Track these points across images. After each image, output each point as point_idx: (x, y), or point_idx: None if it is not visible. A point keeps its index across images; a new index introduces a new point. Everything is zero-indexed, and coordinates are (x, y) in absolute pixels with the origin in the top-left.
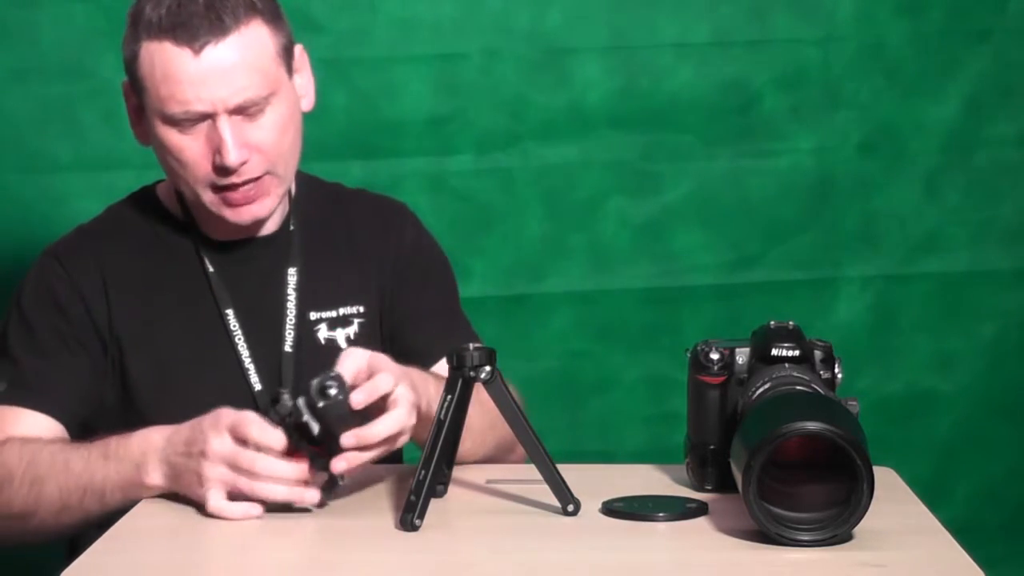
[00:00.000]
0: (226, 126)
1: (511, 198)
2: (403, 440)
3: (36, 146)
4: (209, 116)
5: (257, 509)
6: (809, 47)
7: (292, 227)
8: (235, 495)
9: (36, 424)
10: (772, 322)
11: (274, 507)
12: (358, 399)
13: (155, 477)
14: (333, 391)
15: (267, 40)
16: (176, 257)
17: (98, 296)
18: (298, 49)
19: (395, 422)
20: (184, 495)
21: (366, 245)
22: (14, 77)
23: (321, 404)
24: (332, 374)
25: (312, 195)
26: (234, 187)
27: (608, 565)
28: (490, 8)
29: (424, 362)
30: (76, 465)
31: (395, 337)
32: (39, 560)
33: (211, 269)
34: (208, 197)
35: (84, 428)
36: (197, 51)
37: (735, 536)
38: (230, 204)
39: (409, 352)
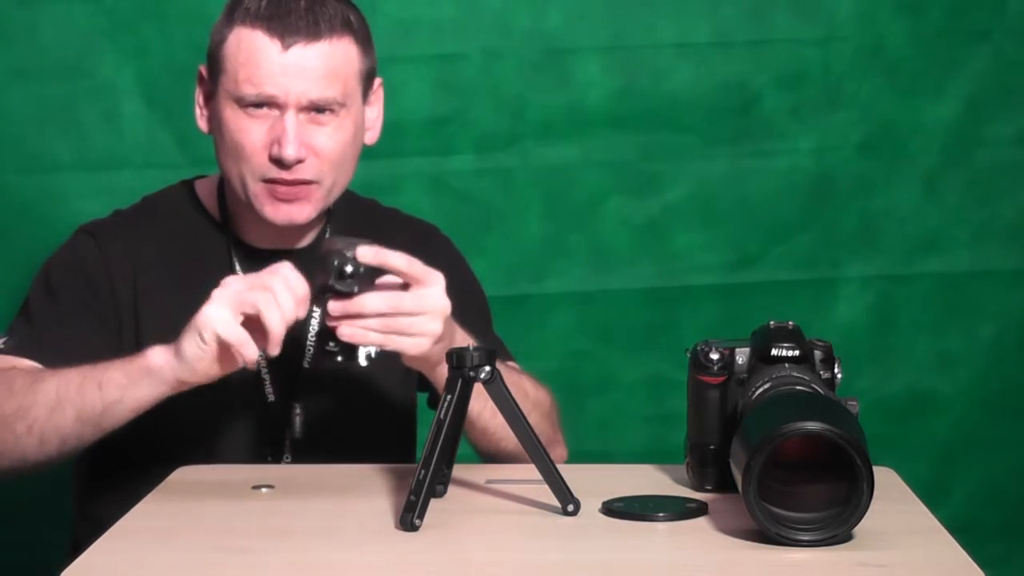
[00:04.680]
0: (291, 120)
1: (511, 198)
2: (418, 340)
3: (36, 146)
4: (279, 106)
5: (252, 348)
6: (809, 47)
7: None
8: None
9: None
10: (772, 322)
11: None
12: (366, 255)
13: (157, 354)
14: (349, 268)
15: (354, 57)
16: (207, 255)
17: (125, 278)
18: (377, 82)
19: (391, 296)
20: (188, 370)
21: None
22: (14, 77)
23: (340, 287)
24: (347, 255)
25: (348, 211)
26: (283, 182)
27: (608, 565)
28: (490, 8)
29: None
30: (80, 367)
31: None
32: (39, 560)
33: (240, 273)
34: (255, 188)
35: None
36: (286, 47)
37: (735, 536)
38: (274, 197)
39: None
